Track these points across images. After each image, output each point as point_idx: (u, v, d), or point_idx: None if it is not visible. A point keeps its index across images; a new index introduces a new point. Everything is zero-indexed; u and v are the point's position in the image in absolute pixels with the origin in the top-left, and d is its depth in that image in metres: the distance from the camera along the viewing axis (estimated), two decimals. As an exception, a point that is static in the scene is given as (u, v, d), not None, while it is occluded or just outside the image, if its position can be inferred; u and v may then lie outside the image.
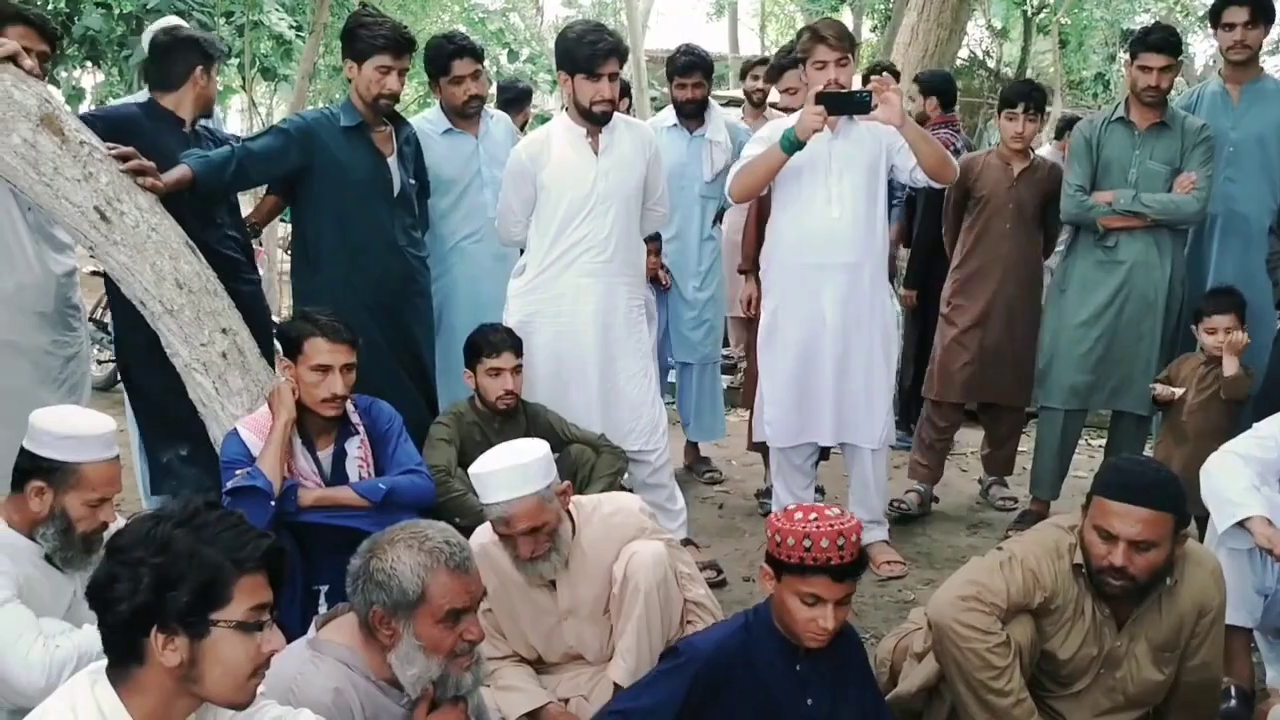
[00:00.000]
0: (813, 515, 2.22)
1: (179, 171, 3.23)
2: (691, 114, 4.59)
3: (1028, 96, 4.33)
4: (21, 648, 2.23)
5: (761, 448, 4.28)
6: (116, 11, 8.66)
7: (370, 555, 2.05)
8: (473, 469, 2.61)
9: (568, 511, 2.66)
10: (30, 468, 2.42)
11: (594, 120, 3.59)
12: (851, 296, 3.76)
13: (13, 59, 2.96)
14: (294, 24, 9.36)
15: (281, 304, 4.86)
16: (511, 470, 2.52)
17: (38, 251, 3.49)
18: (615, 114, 3.65)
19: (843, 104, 3.60)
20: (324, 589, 2.85)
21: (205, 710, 1.72)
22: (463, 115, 4.12)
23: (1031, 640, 2.40)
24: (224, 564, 1.62)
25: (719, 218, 4.85)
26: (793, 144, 3.62)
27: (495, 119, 4.34)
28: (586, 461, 3.47)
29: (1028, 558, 2.42)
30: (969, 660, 2.32)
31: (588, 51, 3.51)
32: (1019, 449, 4.73)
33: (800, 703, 2.34)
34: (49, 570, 2.46)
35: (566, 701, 2.71)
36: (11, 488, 2.45)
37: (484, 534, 2.67)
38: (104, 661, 1.66)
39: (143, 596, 1.57)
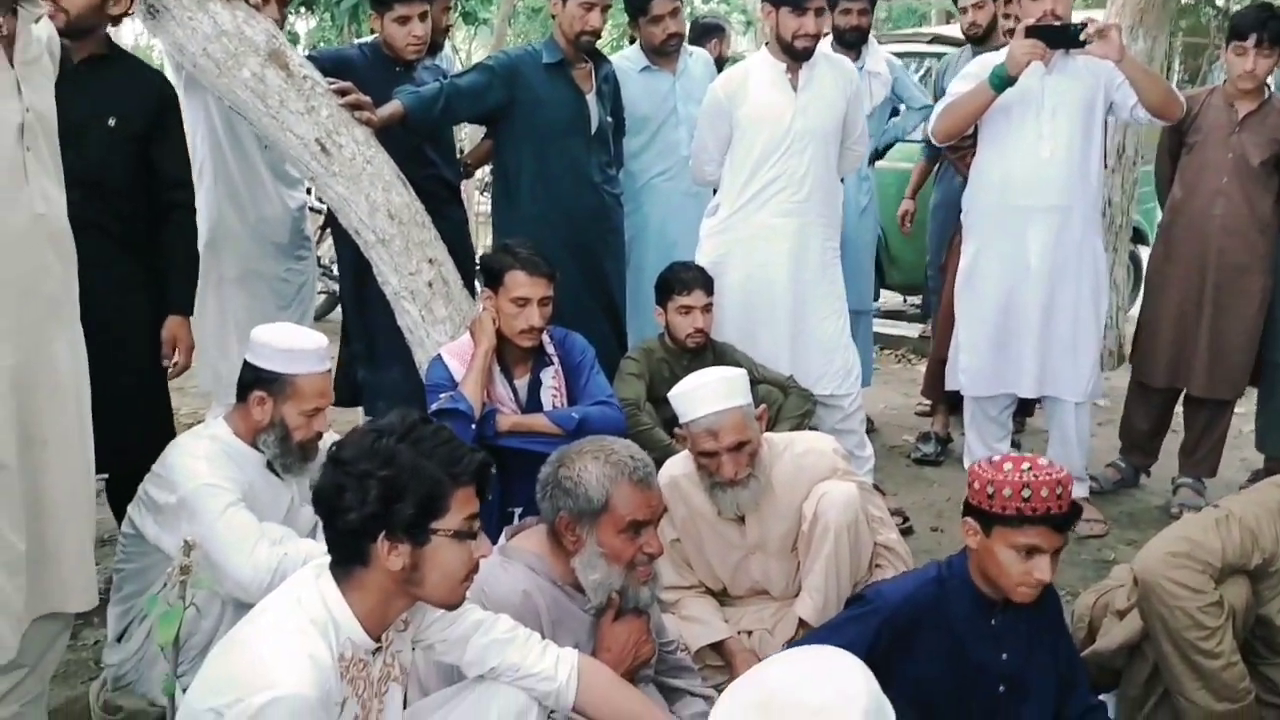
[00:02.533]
0: (1025, 465, 2.14)
1: (392, 106, 3.36)
2: (852, 43, 4.31)
3: (1262, 26, 3.65)
4: (247, 548, 2.40)
5: (940, 396, 4.16)
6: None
7: (559, 464, 2.16)
8: (676, 388, 2.66)
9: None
10: (252, 379, 2.60)
11: (795, 56, 3.52)
12: (1059, 242, 3.59)
13: (244, -3, 3.14)
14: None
15: (478, 243, 5.02)
16: (718, 383, 2.58)
17: (274, 187, 3.75)
18: (818, 49, 3.58)
19: (1056, 37, 3.41)
20: (518, 511, 2.96)
21: (416, 609, 1.83)
22: (661, 53, 4.12)
23: (1246, 604, 2.26)
24: (443, 477, 1.71)
25: (879, 155, 4.69)
26: (1003, 80, 3.46)
27: (694, 56, 4.32)
28: (775, 403, 3.46)
29: (1246, 517, 2.27)
30: (1177, 619, 2.21)
31: None
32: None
33: (995, 658, 2.29)
34: (269, 477, 2.64)
35: (749, 634, 2.74)
36: (236, 399, 2.65)
37: (674, 466, 2.72)
38: (326, 559, 1.78)
39: (371, 507, 1.68)
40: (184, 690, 1.90)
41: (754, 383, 3.48)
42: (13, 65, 2.19)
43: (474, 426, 2.89)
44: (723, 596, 2.82)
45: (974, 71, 3.65)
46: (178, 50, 3.12)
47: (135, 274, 2.99)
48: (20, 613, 2.23)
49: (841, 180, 3.80)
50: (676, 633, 2.62)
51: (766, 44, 3.70)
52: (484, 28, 10.01)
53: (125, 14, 2.91)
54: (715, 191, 3.80)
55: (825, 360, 3.63)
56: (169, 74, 3.44)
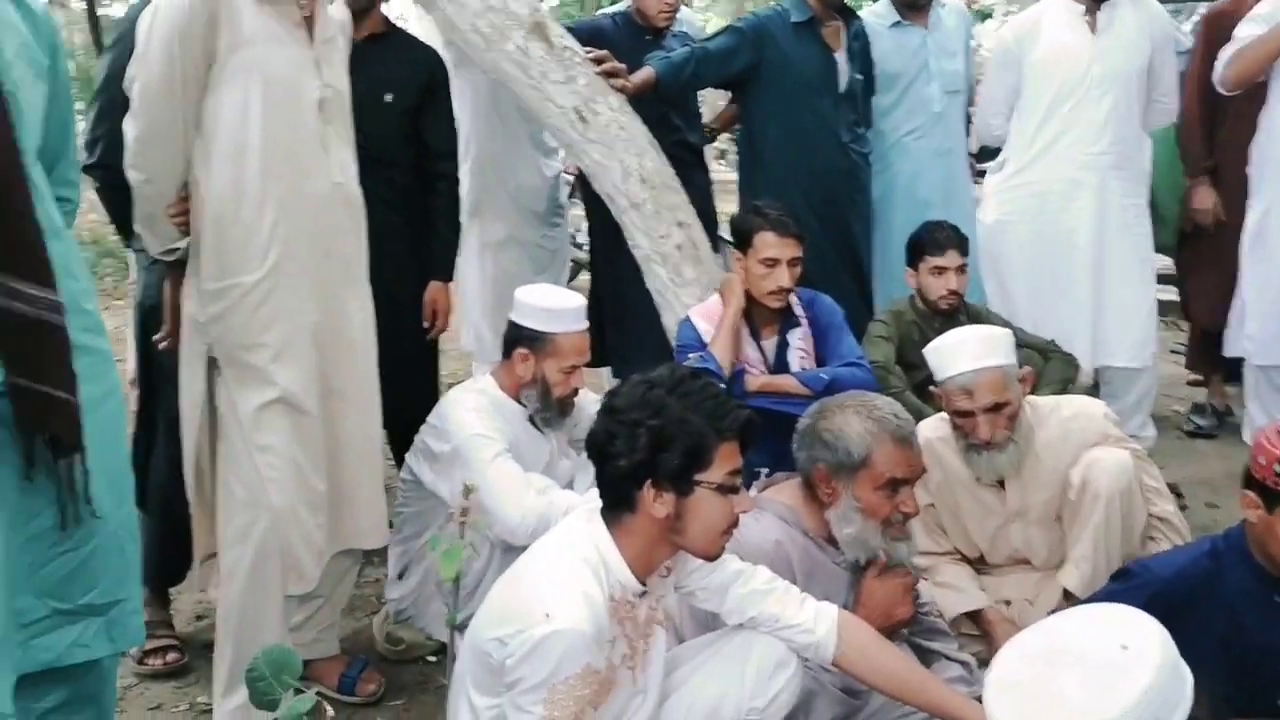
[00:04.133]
0: None
1: (644, 73, 3.43)
2: None
3: None
4: (515, 495, 2.54)
5: (1211, 369, 3.85)
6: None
7: (819, 416, 2.17)
8: (933, 343, 2.61)
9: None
10: (516, 337, 2.74)
11: None
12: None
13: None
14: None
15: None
16: (977, 340, 2.51)
17: (533, 156, 3.93)
18: None
19: None
20: (764, 471, 2.99)
21: (678, 557, 1.89)
22: (912, 7, 4.00)
23: None
24: (708, 430, 1.76)
25: None
26: (1303, 21, 3.16)
27: (947, 8, 4.16)
28: (1036, 367, 3.32)
29: None
30: None
31: None
32: None
33: (1276, 637, 2.13)
34: (531, 431, 2.78)
35: (1008, 604, 2.66)
36: (502, 356, 2.80)
37: (928, 428, 2.66)
38: (597, 505, 1.87)
39: (640, 454, 1.75)
40: (460, 624, 2.05)
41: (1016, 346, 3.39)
42: (313, 45, 2.39)
43: (723, 386, 2.93)
44: (979, 564, 2.75)
45: (1265, 13, 3.35)
46: (448, 27, 3.30)
47: (408, 242, 3.20)
48: (321, 548, 2.47)
49: None
50: (930, 599, 2.58)
51: None
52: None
53: None
54: (971, 153, 3.66)
55: (1122, 329, 3.42)
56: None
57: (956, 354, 2.54)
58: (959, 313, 3.39)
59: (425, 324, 3.25)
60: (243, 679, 1.63)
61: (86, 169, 2.56)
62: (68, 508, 1.85)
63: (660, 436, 1.75)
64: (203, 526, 2.55)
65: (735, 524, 1.84)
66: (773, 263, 2.99)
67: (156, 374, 2.78)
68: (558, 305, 2.74)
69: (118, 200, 2.60)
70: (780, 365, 3.10)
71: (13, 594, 1.79)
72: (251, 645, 2.30)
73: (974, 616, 2.64)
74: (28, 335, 1.74)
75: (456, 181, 3.34)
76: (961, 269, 3.37)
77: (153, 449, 2.81)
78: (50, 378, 1.77)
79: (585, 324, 2.79)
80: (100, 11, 9.78)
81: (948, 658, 2.36)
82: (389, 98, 3.09)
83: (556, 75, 3.22)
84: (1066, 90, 3.33)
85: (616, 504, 1.82)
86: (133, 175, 2.34)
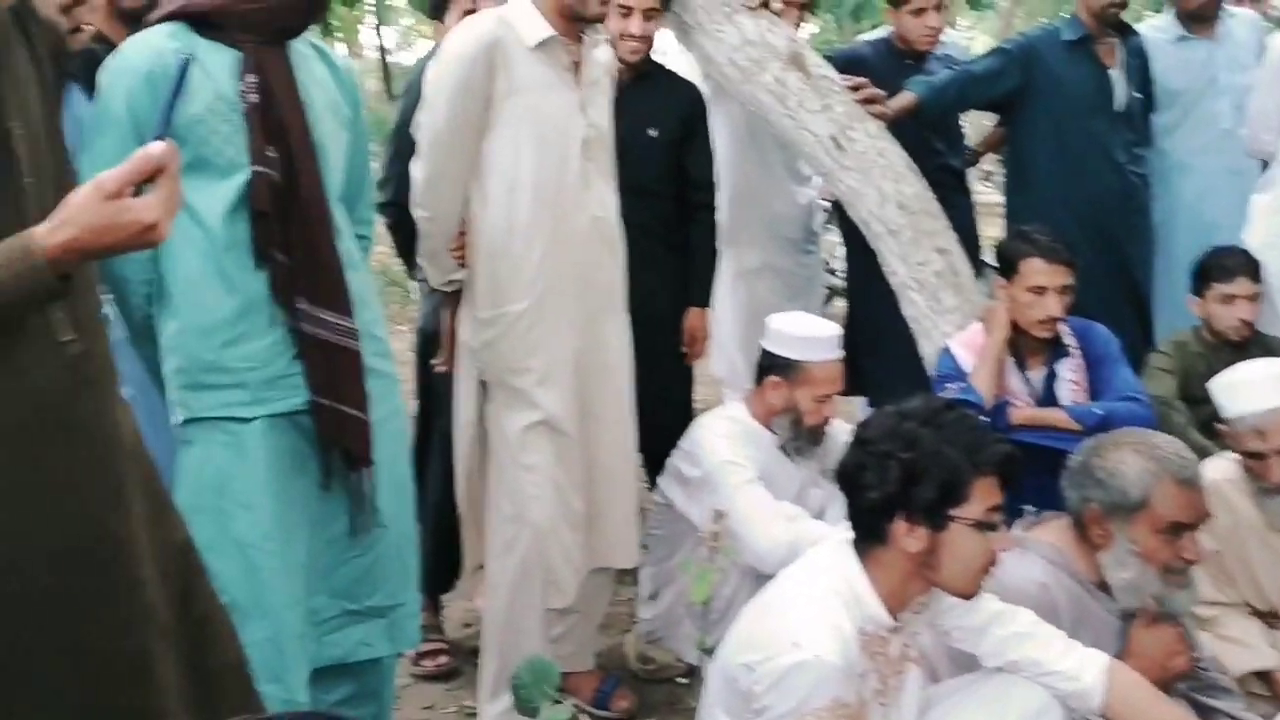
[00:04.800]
0: None
1: (905, 98, 3.38)
2: None
3: None
4: (764, 522, 2.56)
5: None
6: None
7: (1094, 453, 2.06)
8: (1220, 377, 2.43)
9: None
10: (769, 365, 2.76)
11: None
12: None
13: (765, 4, 3.33)
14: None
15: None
16: (1272, 376, 2.30)
17: (787, 185, 3.96)
18: None
19: None
20: (1030, 510, 2.86)
21: (934, 594, 1.84)
22: (1198, 19, 3.74)
23: None
24: (964, 464, 1.71)
25: None
26: None
27: (1237, 18, 3.86)
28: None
29: None
30: None
31: None
32: None
33: None
34: (782, 459, 2.79)
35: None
36: (754, 383, 2.82)
37: (1215, 469, 2.47)
38: (848, 536, 1.85)
39: (890, 487, 1.73)
40: (709, 648, 2.08)
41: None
42: (580, 87, 2.52)
43: (985, 419, 2.83)
44: (1271, 619, 2.52)
45: None
46: (705, 61, 3.38)
47: (669, 270, 3.29)
48: (579, 564, 2.57)
49: None
50: (1212, 652, 2.38)
51: None
52: (989, 12, 9.70)
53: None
54: (1265, 165, 3.38)
55: None
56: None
57: (1248, 391, 2.35)
58: (1251, 344, 3.13)
59: (683, 349, 3.33)
60: (507, 685, 1.73)
61: (379, 207, 2.80)
62: (358, 516, 2.03)
63: (913, 469, 1.72)
64: (472, 539, 2.72)
65: (994, 562, 1.77)
66: (1041, 290, 2.86)
67: (433, 395, 2.99)
68: (811, 333, 2.75)
69: (404, 235, 2.83)
70: (1048, 399, 2.95)
71: (311, 593, 1.99)
72: (514, 654, 2.43)
73: (1263, 676, 2.42)
74: (329, 359, 1.94)
75: (714, 210, 3.41)
76: (1254, 297, 3.11)
77: (428, 465, 3.02)
78: (347, 397, 1.96)
79: (839, 353, 2.77)
80: (390, 59, 10.66)
81: (1232, 718, 2.17)
82: (653, 132, 3.21)
83: (813, 104, 3.22)
84: None
85: (867, 536, 1.79)
86: (419, 213, 2.55)
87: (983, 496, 1.72)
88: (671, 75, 3.45)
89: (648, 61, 3.30)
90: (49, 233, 1.27)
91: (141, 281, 1.92)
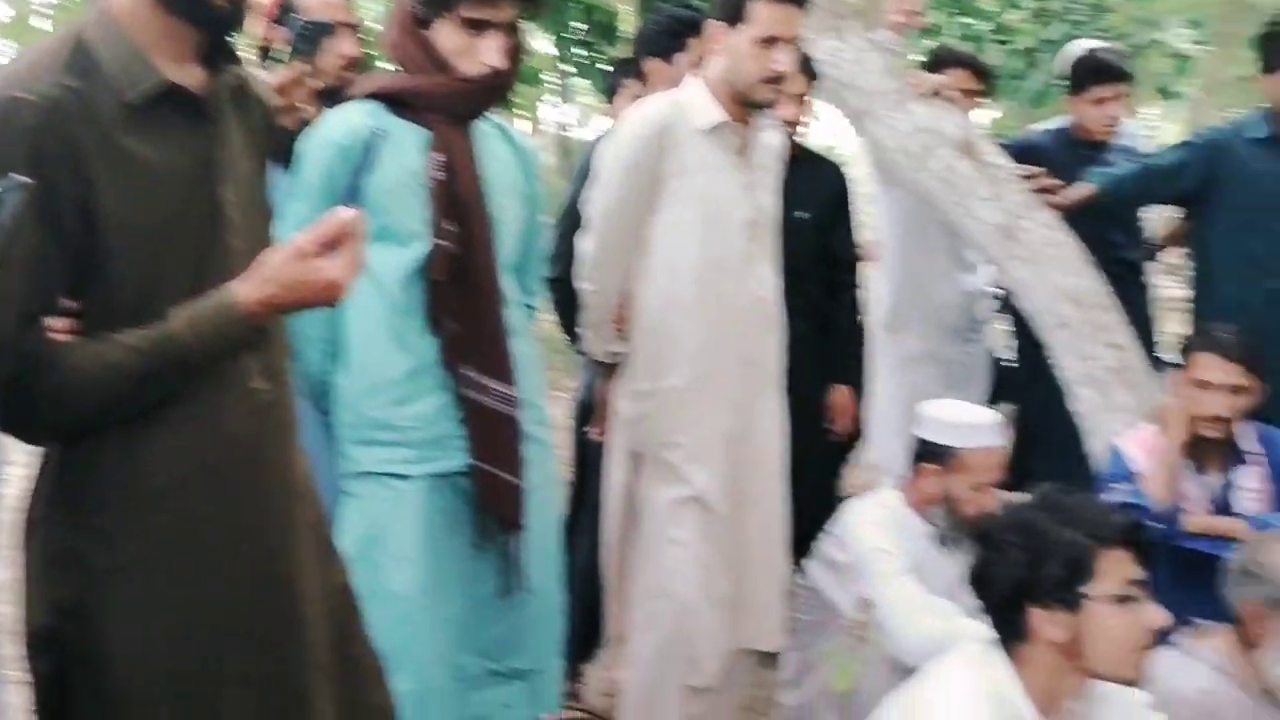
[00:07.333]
0: None
1: (1083, 188, 3.32)
2: None
3: None
4: (914, 616, 2.49)
5: None
6: (1015, 47, 9.14)
7: (1249, 551, 2.01)
8: None
9: None
10: (922, 452, 2.71)
11: None
12: None
13: (936, 93, 3.33)
14: (1197, 39, 8.92)
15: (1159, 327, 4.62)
16: None
17: (951, 272, 3.91)
18: None
19: None
20: (1199, 623, 2.70)
21: (1091, 703, 1.76)
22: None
23: None
24: (1084, 539, 1.68)
25: None
26: None
27: None
28: None
29: None
30: None
31: None
32: None
33: None
34: (935, 551, 2.71)
35: None
36: (910, 472, 2.77)
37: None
38: (989, 636, 1.80)
39: (1016, 573, 1.70)
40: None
41: None
42: (747, 169, 2.57)
43: (1158, 526, 2.69)
44: None
45: None
46: (875, 146, 3.40)
47: (821, 351, 3.29)
48: (722, 644, 2.56)
49: None
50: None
51: None
52: (1179, 101, 9.37)
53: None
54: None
55: None
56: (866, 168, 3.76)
57: None
58: None
59: (828, 426, 3.32)
60: (643, 760, 1.73)
61: (548, 280, 2.90)
62: (507, 578, 2.09)
63: (1036, 552, 1.69)
64: (615, 609, 2.74)
65: (1148, 641, 1.70)
66: (1206, 385, 2.73)
67: (587, 465, 3.04)
68: (966, 420, 2.69)
69: (568, 308, 2.92)
70: (1225, 507, 2.80)
71: (459, 650, 2.04)
72: (651, 729, 2.42)
73: None
74: (490, 424, 2.02)
75: (856, 288, 3.41)
76: None
77: (578, 533, 3.06)
78: (505, 463, 2.03)
79: (998, 440, 2.70)
80: (568, 135, 11.06)
81: None
82: (803, 215, 3.24)
83: (983, 192, 3.19)
84: None
85: (1008, 634, 1.75)
86: (584, 285, 2.63)
87: (1115, 570, 1.68)
88: (818, 157, 3.50)
89: (798, 144, 3.33)
90: (249, 288, 1.40)
91: (320, 339, 2.05)
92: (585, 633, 3.01)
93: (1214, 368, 2.74)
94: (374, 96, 2.07)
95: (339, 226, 1.39)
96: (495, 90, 2.10)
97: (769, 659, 3.07)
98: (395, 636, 1.92)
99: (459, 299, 2.01)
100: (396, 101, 2.05)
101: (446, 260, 1.99)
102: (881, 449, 4.12)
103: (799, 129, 3.34)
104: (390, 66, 2.22)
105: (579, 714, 3.05)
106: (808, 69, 3.21)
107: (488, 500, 2.03)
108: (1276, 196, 3.32)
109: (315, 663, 1.53)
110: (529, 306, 2.27)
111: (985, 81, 3.89)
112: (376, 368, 2.03)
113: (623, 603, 2.69)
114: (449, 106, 2.04)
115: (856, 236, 3.44)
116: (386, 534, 2.00)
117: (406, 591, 1.96)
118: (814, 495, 3.10)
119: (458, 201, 2.01)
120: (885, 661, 2.53)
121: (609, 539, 2.69)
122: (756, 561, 2.61)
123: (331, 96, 2.28)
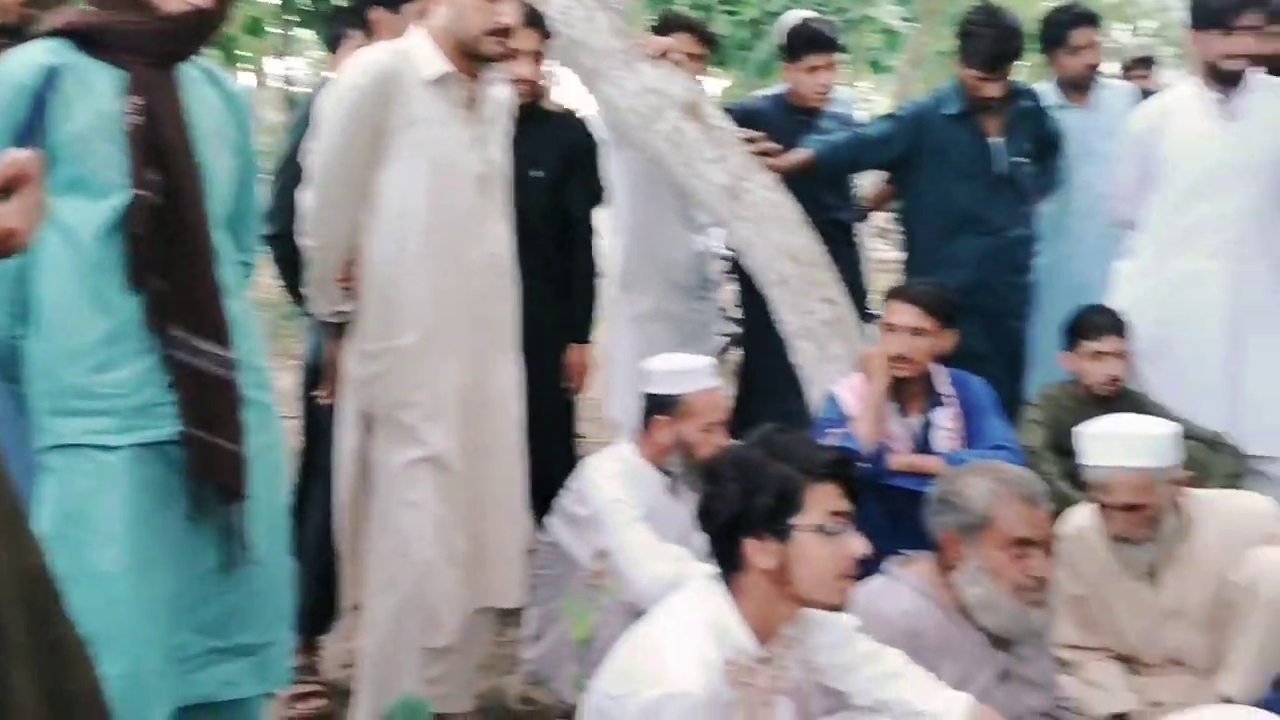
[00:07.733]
0: None
1: (800, 154, 3.51)
2: None
3: None
4: (648, 561, 2.57)
5: None
6: (741, 18, 9.51)
7: (945, 482, 2.21)
8: (1084, 426, 2.53)
9: (1176, 504, 2.47)
10: (652, 406, 2.81)
11: (1224, 80, 3.24)
12: None
13: (664, 55, 3.40)
14: (905, 16, 9.59)
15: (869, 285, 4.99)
16: (1126, 435, 2.41)
17: (681, 232, 4.03)
18: (1259, 75, 3.27)
19: None
20: (904, 553, 2.93)
21: (806, 628, 1.88)
22: (1076, 87, 3.95)
23: None
24: (794, 474, 1.80)
25: None
26: None
27: (1112, 90, 4.10)
28: (1199, 461, 3.16)
29: None
30: None
31: (1219, 3, 3.18)
32: None
33: None
34: (668, 500, 2.82)
35: (1158, 706, 2.51)
36: (642, 428, 2.86)
37: (1079, 517, 2.57)
38: (711, 570, 1.89)
39: (731, 507, 1.81)
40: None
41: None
42: (476, 123, 2.54)
43: (866, 464, 2.90)
44: (1131, 663, 2.61)
45: None
46: (606, 106, 3.44)
47: (553, 308, 3.31)
48: (461, 603, 2.54)
49: None
50: (1074, 695, 2.46)
51: (1195, 72, 3.44)
52: (889, 75, 10.04)
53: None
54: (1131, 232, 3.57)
55: (1257, 417, 3.26)
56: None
57: (1098, 446, 2.46)
58: (1121, 399, 3.27)
59: (565, 385, 3.37)
60: (378, 725, 1.69)
61: (266, 238, 2.76)
62: (229, 551, 1.98)
63: (748, 486, 1.80)
64: (351, 576, 2.67)
65: (851, 569, 1.83)
66: (892, 328, 3.00)
67: (317, 431, 2.94)
68: (683, 367, 2.82)
69: (290, 267, 2.79)
70: (925, 445, 3.05)
71: (175, 629, 1.92)
72: (389, 694, 2.38)
73: (1122, 719, 2.50)
74: (204, 389, 1.90)
75: (592, 246, 3.47)
76: (1122, 354, 3.25)
77: (309, 502, 2.96)
78: (221, 429, 1.92)
79: (716, 381, 2.84)
80: (296, 90, 10.55)
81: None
82: (537, 173, 3.24)
83: (709, 154, 3.30)
84: (1197, 180, 3.23)
85: (727, 565, 1.86)
86: (306, 241, 2.52)
87: (822, 502, 1.80)
88: (558, 115, 3.50)
89: (535, 103, 3.33)
90: None
91: (7, 300, 1.86)
92: (321, 604, 2.92)
93: (898, 311, 2.99)
94: (61, 34, 1.88)
95: (13, 168, 1.26)
96: (201, 31, 1.96)
97: (511, 616, 3.09)
98: (103, 619, 1.78)
99: (165, 255, 1.87)
100: (88, 40, 1.87)
101: (148, 212, 1.85)
102: (618, 404, 4.21)
103: (538, 87, 3.33)
104: (82, 3, 2.03)
105: (314, 687, 2.96)
106: (541, 26, 3.21)
107: (203, 470, 1.91)
108: (968, 166, 3.64)
109: (10, 649, 1.41)
110: (245, 264, 2.15)
111: (710, 47, 4.01)
112: (73, 330, 1.86)
113: (358, 570, 2.62)
114: (149, 46, 1.89)
115: (595, 195, 3.47)
116: (90, 510, 1.84)
117: (113, 571, 1.83)
118: (553, 453, 3.13)
119: (160, 149, 1.86)
120: (621, 608, 2.60)
121: (342, 505, 2.61)
122: (495, 519, 2.61)
123: (14, 35, 2.06)
